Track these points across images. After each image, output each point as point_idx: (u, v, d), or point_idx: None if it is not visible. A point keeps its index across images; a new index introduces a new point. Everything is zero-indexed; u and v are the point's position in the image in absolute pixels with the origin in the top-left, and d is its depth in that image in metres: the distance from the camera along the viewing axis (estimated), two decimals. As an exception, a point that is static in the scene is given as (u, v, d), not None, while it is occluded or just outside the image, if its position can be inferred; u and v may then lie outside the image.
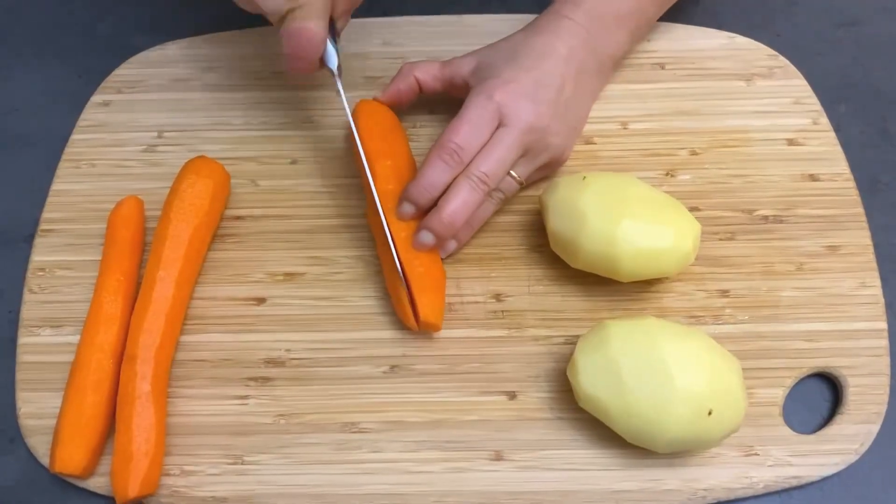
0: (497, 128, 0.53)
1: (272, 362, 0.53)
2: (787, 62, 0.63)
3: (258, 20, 0.63)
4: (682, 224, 0.51)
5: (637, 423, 0.46)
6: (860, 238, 0.56)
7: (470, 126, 0.52)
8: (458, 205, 0.52)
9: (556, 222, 0.52)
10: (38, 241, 0.57)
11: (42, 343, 0.54)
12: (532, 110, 0.53)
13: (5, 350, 0.55)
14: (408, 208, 0.53)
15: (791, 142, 0.60)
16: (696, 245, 0.51)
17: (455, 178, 0.52)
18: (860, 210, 0.57)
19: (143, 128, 0.61)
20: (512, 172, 0.54)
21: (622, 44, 0.59)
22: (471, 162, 0.52)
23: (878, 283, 0.55)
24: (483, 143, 0.52)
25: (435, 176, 0.52)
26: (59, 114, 0.63)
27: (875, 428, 0.51)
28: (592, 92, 0.60)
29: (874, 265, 0.55)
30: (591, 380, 0.47)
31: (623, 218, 0.50)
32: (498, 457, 0.50)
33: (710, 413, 0.45)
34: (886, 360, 0.52)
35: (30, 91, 0.65)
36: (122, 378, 0.50)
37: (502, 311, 0.54)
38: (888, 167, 0.60)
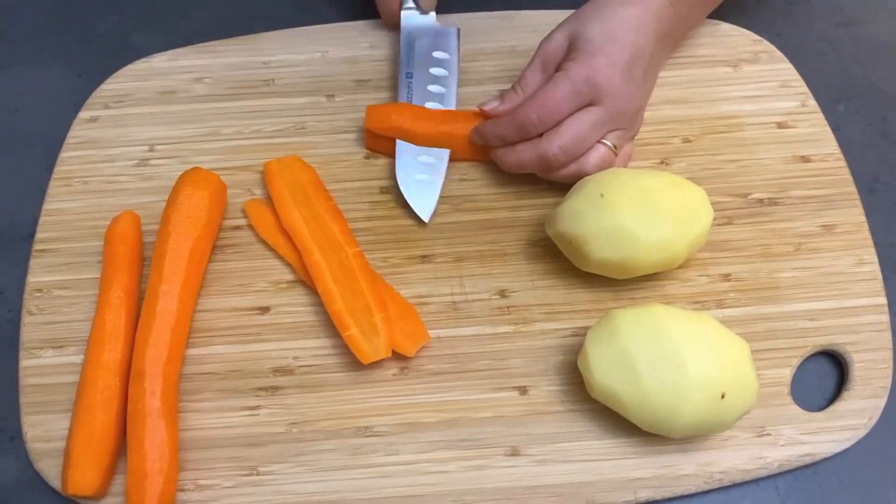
0: (588, 104, 0.53)
1: (281, 371, 0.53)
2: (772, 47, 0.63)
3: (248, 24, 0.62)
4: (698, 216, 0.52)
5: (652, 411, 0.46)
6: (854, 216, 0.57)
7: (556, 98, 0.53)
8: (517, 166, 0.55)
9: (570, 228, 0.52)
10: (34, 262, 0.56)
11: (45, 365, 0.53)
12: (627, 93, 0.53)
13: (5, 349, 0.54)
14: (475, 137, 0.57)
15: (781, 125, 0.61)
16: (706, 234, 0.52)
17: (534, 141, 0.54)
18: (852, 189, 0.58)
19: (133, 142, 0.61)
20: (606, 142, 0.54)
21: (698, 22, 0.61)
22: (552, 132, 0.53)
23: (874, 259, 0.56)
24: (564, 118, 0.53)
25: (504, 130, 0.55)
26: (59, 114, 0.62)
27: (882, 402, 0.51)
28: (661, 66, 0.60)
29: (870, 242, 0.56)
30: (603, 371, 0.48)
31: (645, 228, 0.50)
32: (514, 452, 0.50)
33: (723, 396, 0.46)
34: (888, 335, 0.53)
35: (30, 91, 0.65)
36: (130, 395, 0.50)
37: (508, 307, 0.55)
38: (888, 167, 0.61)
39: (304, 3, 0.68)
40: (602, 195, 0.51)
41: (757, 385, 0.48)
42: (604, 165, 0.55)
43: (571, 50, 0.54)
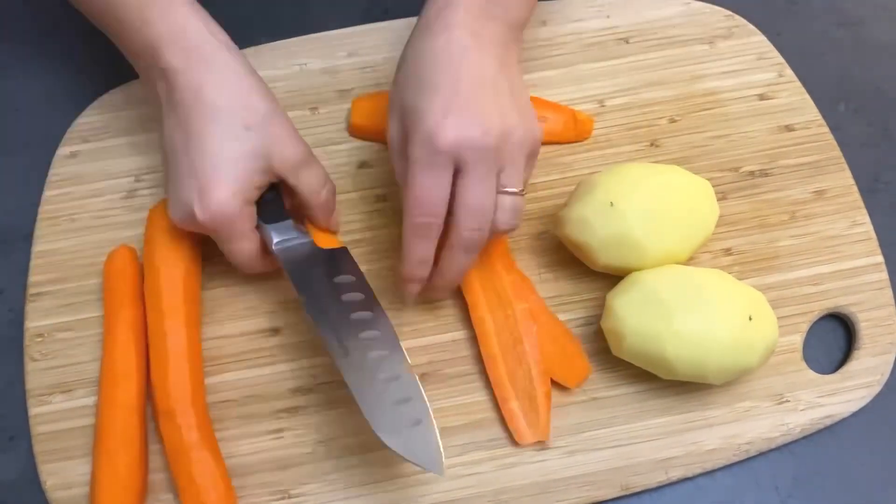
0: (456, 172, 0.47)
1: (300, 390, 0.52)
2: (744, 21, 0.64)
3: (248, 25, 0.61)
4: (705, 220, 0.52)
5: (688, 342, 0.47)
6: (843, 180, 0.59)
7: (426, 189, 0.46)
8: (457, 275, 0.50)
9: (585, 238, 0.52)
10: (31, 307, 0.55)
11: (55, 411, 0.52)
12: (481, 133, 0.46)
13: (6, 349, 0.54)
14: (412, 288, 0.50)
15: (762, 97, 0.62)
16: (710, 234, 0.53)
17: (447, 244, 0.48)
18: (838, 153, 0.59)
19: (118, 174, 0.59)
20: (508, 189, 0.48)
21: (525, 5, 0.52)
22: (453, 223, 0.47)
23: (867, 220, 0.57)
24: (448, 194, 0.47)
25: (418, 253, 0.48)
26: (59, 114, 0.62)
27: (891, 358, 0.53)
28: (516, 61, 0.52)
29: (860, 203, 0.58)
30: (633, 315, 0.48)
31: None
32: (543, 446, 0.51)
33: (750, 318, 0.48)
34: (889, 292, 0.55)
35: (30, 91, 0.64)
36: (165, 435, 0.49)
37: (519, 303, 0.55)
38: (888, 167, 0.61)
39: (304, 4, 0.68)
40: (612, 204, 0.50)
41: (776, 320, 0.50)
42: (518, 213, 0.49)
43: (407, 132, 0.48)
